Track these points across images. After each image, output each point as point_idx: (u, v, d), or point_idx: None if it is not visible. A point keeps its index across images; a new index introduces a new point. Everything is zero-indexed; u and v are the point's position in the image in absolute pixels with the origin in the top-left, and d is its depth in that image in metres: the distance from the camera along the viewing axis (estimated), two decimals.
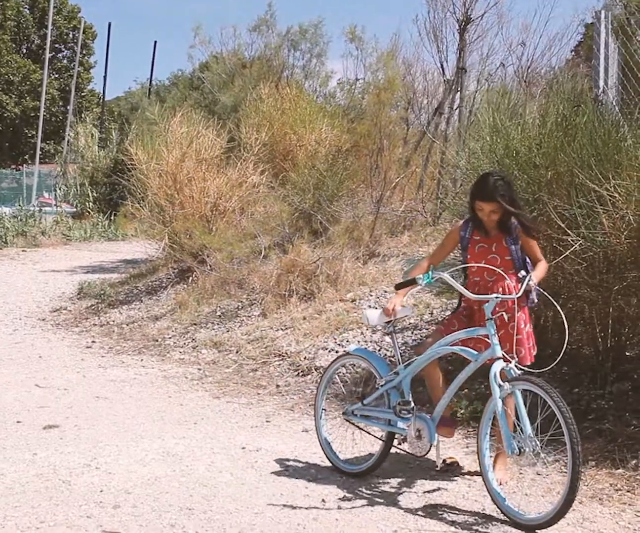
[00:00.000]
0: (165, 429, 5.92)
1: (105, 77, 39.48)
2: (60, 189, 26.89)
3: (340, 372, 5.88)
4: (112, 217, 21.87)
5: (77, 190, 25.56)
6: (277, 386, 7.18)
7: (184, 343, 8.91)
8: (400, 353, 4.89)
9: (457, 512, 4.31)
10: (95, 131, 27.61)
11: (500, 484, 4.46)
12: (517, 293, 4.41)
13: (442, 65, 12.83)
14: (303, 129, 12.81)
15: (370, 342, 7.49)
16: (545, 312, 5.79)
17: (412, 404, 4.61)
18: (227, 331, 8.88)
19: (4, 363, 8.23)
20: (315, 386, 6.50)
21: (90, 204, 24.45)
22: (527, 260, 4.65)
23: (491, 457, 4.42)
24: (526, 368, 4.39)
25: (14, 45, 45.28)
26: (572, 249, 5.12)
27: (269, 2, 19.68)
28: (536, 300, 4.63)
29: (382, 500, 4.48)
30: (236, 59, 19.96)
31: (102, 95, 41.30)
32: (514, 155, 5.76)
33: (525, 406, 4.11)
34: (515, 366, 4.25)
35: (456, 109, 12.48)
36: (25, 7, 47.03)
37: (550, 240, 5.43)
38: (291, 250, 9.55)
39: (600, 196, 4.97)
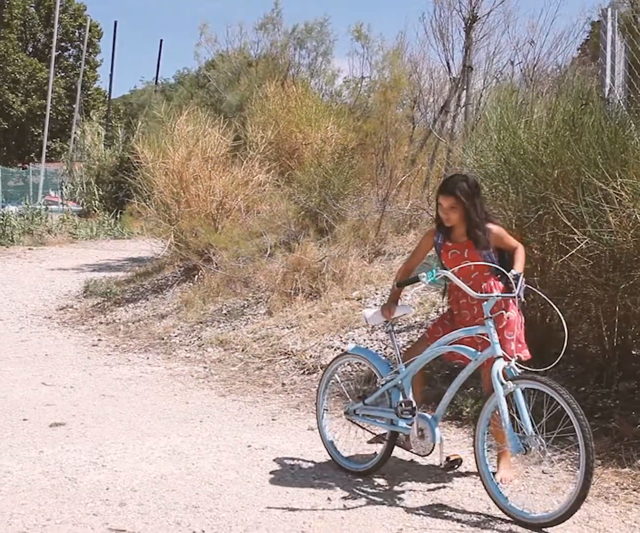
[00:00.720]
0: (171, 427, 5.93)
1: (111, 75, 39.75)
2: (66, 187, 26.95)
3: (339, 372, 5.85)
4: (118, 216, 21.91)
5: (83, 188, 25.63)
6: (283, 384, 7.18)
7: (190, 342, 8.92)
8: (403, 352, 4.88)
9: (463, 511, 4.30)
10: (102, 129, 27.69)
11: (504, 482, 4.47)
12: (514, 292, 4.36)
13: (448, 64, 12.83)
14: (309, 128, 12.83)
15: (377, 340, 7.49)
16: (551, 311, 5.78)
17: (414, 404, 4.60)
18: (233, 329, 8.89)
19: (10, 361, 8.25)
20: None
21: (97, 202, 24.51)
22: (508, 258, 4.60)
23: (492, 459, 4.40)
24: (528, 368, 4.36)
25: (20, 44, 45.37)
26: (578, 247, 5.10)
27: (275, 0, 19.73)
28: (522, 297, 4.56)
29: (387, 499, 4.48)
30: (242, 57, 20.00)
31: (108, 94, 41.56)
32: (521, 153, 5.74)
33: (530, 405, 4.10)
34: (516, 365, 4.24)
35: (462, 107, 12.46)
36: (32, 6, 47.13)
37: (556, 239, 5.42)
38: (297, 248, 9.55)
39: (607, 194, 4.96)
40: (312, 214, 10.62)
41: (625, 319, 5.54)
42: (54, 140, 42.01)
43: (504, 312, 4.39)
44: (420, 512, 4.29)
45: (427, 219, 11.17)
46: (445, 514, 4.26)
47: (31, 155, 43.00)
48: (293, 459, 5.18)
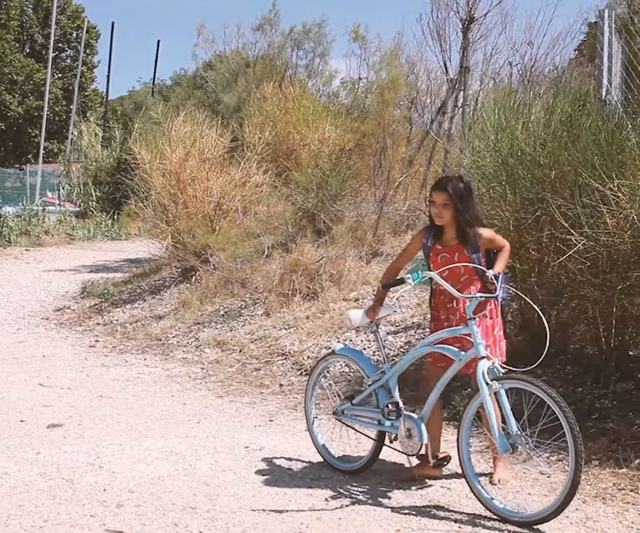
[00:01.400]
0: (168, 428, 5.93)
1: (108, 76, 39.70)
2: (63, 188, 26.90)
3: (331, 372, 5.84)
4: (115, 217, 21.87)
5: (80, 189, 25.57)
6: (280, 385, 7.18)
7: (187, 343, 8.92)
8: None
9: (460, 511, 4.30)
10: (99, 130, 27.63)
11: (501, 483, 4.48)
12: (495, 293, 4.37)
13: (445, 65, 12.86)
14: (306, 128, 12.82)
15: (375, 341, 7.48)
16: (549, 311, 5.79)
17: (400, 404, 4.60)
18: (231, 330, 8.89)
19: (7, 362, 8.24)
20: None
21: (94, 203, 24.45)
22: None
23: (489, 460, 4.39)
24: (511, 368, 4.35)
25: (17, 45, 45.32)
26: (575, 249, 5.11)
27: (273, 1, 19.75)
28: (505, 296, 4.58)
29: (384, 500, 4.48)
30: (240, 58, 20.00)
31: (106, 95, 41.44)
32: (519, 154, 5.75)
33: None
34: (499, 365, 4.24)
35: (460, 108, 12.48)
36: (29, 7, 47.06)
37: (554, 240, 5.42)
38: (294, 249, 9.56)
39: (604, 195, 4.97)
40: (310, 215, 10.62)
41: (623, 320, 5.55)
42: (51, 141, 41.97)
43: (486, 313, 4.41)
44: (418, 512, 4.29)
45: (425, 219, 11.18)
46: (443, 515, 4.26)
47: (28, 156, 42.94)
48: (290, 460, 5.17)
